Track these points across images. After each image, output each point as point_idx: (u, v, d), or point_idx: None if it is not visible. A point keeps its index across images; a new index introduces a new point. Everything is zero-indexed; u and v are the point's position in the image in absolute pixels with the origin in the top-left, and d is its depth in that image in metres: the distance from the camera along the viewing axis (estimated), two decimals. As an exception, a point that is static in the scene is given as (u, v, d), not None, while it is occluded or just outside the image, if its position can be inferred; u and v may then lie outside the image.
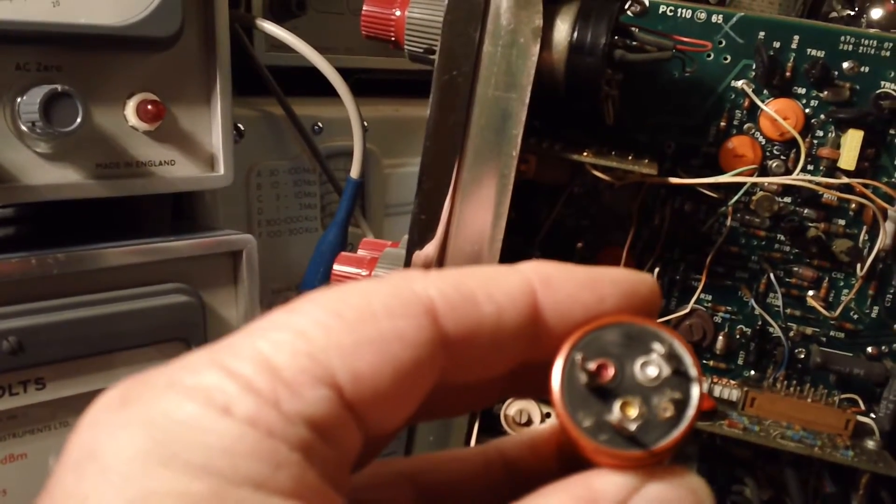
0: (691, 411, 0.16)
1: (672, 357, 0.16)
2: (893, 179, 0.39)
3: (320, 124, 0.56)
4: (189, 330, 0.42)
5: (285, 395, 0.14)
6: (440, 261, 0.35)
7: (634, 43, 0.35)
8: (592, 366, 0.16)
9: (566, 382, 0.16)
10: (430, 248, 0.35)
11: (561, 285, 0.17)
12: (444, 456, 0.21)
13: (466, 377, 0.17)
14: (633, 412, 0.16)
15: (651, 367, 0.16)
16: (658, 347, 0.16)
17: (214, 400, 0.14)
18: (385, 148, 0.59)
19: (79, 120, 0.38)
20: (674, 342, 0.16)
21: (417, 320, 0.16)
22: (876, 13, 0.83)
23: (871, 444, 0.37)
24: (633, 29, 0.36)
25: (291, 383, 0.15)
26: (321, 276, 0.50)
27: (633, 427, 0.16)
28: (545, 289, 0.17)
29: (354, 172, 0.51)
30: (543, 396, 0.20)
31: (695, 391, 0.16)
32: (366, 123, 0.57)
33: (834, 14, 0.85)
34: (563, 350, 0.17)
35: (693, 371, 0.16)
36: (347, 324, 0.16)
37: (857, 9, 0.83)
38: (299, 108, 0.54)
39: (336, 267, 0.38)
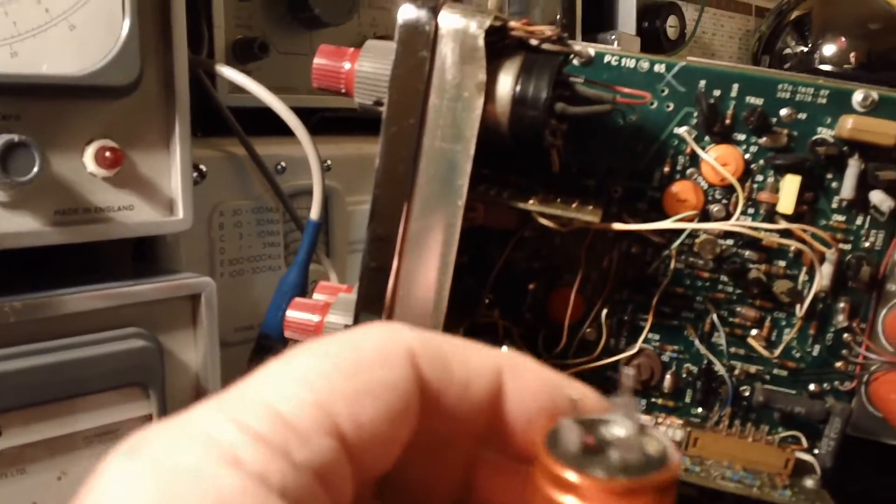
0: (669, 441, 0.17)
1: (628, 418, 0.17)
2: (831, 223, 0.40)
3: (283, 164, 0.56)
4: (147, 374, 0.42)
5: (294, 445, 0.15)
6: (390, 310, 0.36)
7: (576, 94, 0.36)
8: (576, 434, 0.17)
9: (555, 448, 0.17)
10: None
11: (528, 379, 0.19)
12: None
13: (430, 439, 0.18)
14: (629, 454, 0.16)
15: (618, 428, 0.17)
16: (613, 417, 0.18)
17: (222, 450, 0.15)
18: (348, 185, 0.60)
19: (35, 169, 0.38)
20: (621, 414, 0.18)
21: (406, 370, 0.17)
22: (828, 49, 0.85)
23: (810, 482, 0.38)
24: (576, 80, 0.37)
25: (300, 433, 0.15)
26: (282, 317, 0.51)
27: (640, 459, 0.16)
28: (513, 378, 0.19)
29: (314, 214, 0.52)
30: None
31: (658, 432, 0.17)
32: (329, 162, 0.58)
33: (788, 50, 0.88)
34: (545, 428, 0.18)
35: (643, 419, 0.18)
36: (345, 374, 0.17)
37: (809, 45, 0.86)
38: (262, 148, 0.55)
39: (289, 313, 0.39)
